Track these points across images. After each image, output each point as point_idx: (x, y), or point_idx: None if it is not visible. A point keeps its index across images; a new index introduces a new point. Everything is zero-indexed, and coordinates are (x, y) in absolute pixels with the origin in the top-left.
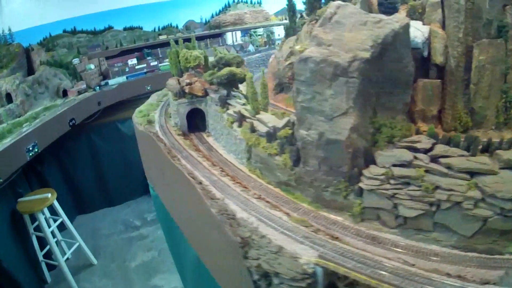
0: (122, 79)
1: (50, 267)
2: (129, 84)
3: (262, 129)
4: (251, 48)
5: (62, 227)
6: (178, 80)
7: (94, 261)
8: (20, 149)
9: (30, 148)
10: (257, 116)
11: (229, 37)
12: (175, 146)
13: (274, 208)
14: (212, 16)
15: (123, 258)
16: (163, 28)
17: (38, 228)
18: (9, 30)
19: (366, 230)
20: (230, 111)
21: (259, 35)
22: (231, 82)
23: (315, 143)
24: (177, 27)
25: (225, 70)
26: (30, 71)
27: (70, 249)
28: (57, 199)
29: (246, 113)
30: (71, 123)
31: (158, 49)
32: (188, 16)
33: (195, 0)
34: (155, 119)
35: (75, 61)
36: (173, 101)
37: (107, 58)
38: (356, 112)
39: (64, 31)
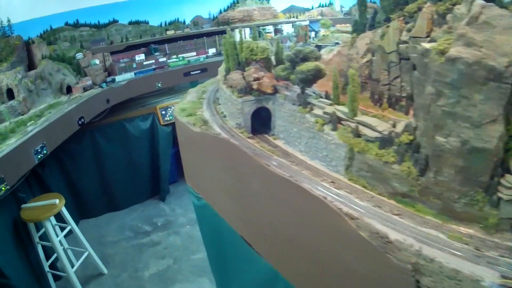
0: (129, 75)
1: (55, 278)
2: (138, 81)
3: (370, 133)
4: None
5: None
6: (243, 75)
7: (104, 270)
8: (28, 151)
9: (39, 150)
10: (357, 118)
11: (237, 34)
12: (257, 152)
13: (420, 225)
14: (220, 12)
15: (135, 267)
16: (170, 23)
17: (44, 237)
18: (8, 21)
19: (501, 242)
20: (318, 112)
21: (267, 32)
22: (315, 79)
23: (456, 151)
24: (184, 22)
25: (311, 65)
26: (31, 65)
27: (77, 258)
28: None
29: (342, 115)
30: (80, 122)
31: (166, 44)
32: (195, 11)
33: None
34: (208, 119)
35: (79, 56)
36: (237, 98)
37: (112, 53)
38: (504, 119)
39: (66, 24)
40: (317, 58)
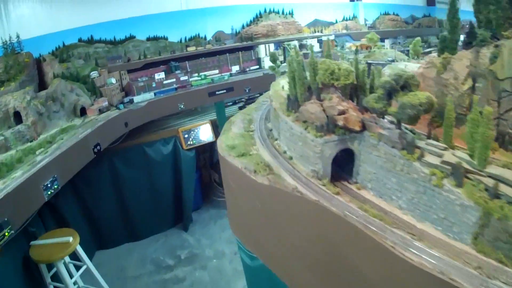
0: (149, 95)
1: None
2: (158, 102)
3: None
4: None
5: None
6: (322, 107)
7: None
8: (36, 187)
9: (49, 185)
10: (490, 171)
11: (262, 50)
12: (361, 218)
13: None
14: (243, 27)
15: None
16: (190, 39)
17: (57, 277)
18: (17, 37)
19: None
20: (432, 160)
21: (292, 48)
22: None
23: None
24: (205, 38)
25: (422, 97)
26: (42, 85)
27: None
28: None
29: (469, 166)
30: (96, 149)
31: (187, 62)
32: (217, 26)
33: (222, 10)
34: (270, 162)
35: (94, 74)
36: (314, 137)
37: (129, 71)
38: None
39: (80, 40)
40: (418, 85)
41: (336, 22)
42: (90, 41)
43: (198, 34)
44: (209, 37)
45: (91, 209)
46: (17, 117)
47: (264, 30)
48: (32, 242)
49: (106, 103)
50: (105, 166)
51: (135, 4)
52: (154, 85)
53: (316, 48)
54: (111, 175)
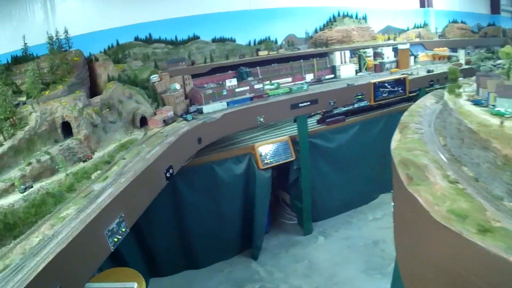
0: (221, 105)
1: None
2: (235, 114)
3: None
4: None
5: None
6: None
7: None
8: (98, 234)
9: (114, 228)
10: None
11: (337, 57)
12: None
13: None
14: (316, 31)
15: None
16: (260, 42)
17: None
18: (65, 32)
19: None
20: None
21: (368, 56)
22: None
23: None
24: (276, 42)
25: None
26: (94, 89)
27: None
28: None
29: None
30: (168, 174)
31: (258, 68)
32: (287, 29)
33: (293, 11)
34: None
35: (154, 78)
36: None
37: (193, 76)
38: None
39: (136, 38)
40: None
41: (408, 29)
42: (148, 41)
43: (268, 37)
44: (280, 41)
45: (147, 233)
46: (66, 129)
47: (339, 35)
48: (87, 285)
49: (172, 112)
50: (166, 188)
51: (199, 0)
52: (224, 93)
53: (391, 57)
54: (172, 197)
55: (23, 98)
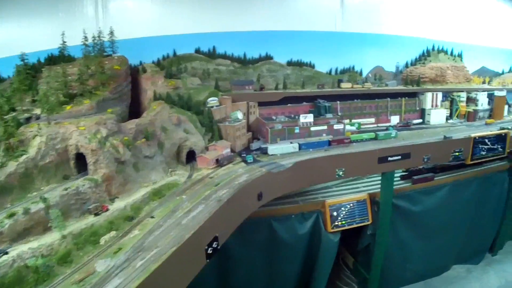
0: (291, 147)
1: None
2: (307, 164)
3: None
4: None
5: None
6: None
7: None
8: None
9: None
10: None
11: (428, 99)
12: None
13: None
14: (407, 66)
15: None
16: (342, 71)
17: None
18: (111, 33)
19: None
20: None
21: (461, 100)
22: None
23: None
24: (361, 73)
25: None
26: (134, 107)
27: None
28: None
29: None
30: (210, 250)
31: (338, 102)
32: (374, 60)
33: (384, 39)
34: None
35: (212, 101)
36: None
37: (260, 104)
38: None
39: (198, 51)
40: None
41: (503, 72)
42: (212, 55)
43: (353, 67)
44: (365, 72)
45: None
46: (82, 162)
47: (433, 73)
48: None
49: (229, 150)
50: None
51: (275, 14)
52: (297, 130)
53: (485, 104)
54: (218, 254)
55: (38, 111)
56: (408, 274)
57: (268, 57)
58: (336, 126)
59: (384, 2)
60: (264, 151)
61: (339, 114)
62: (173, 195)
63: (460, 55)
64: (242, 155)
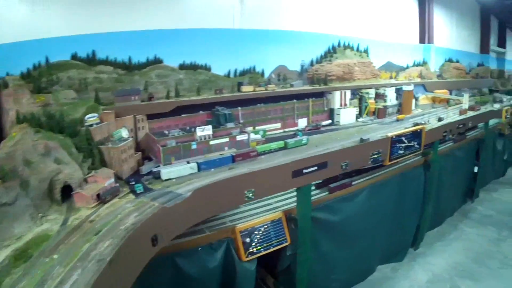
0: (188, 168)
1: None
2: (209, 190)
3: None
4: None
5: None
6: None
7: None
8: None
9: None
10: None
11: (336, 98)
12: None
13: None
14: (312, 64)
15: None
16: (242, 73)
17: None
18: None
19: None
20: None
21: (370, 98)
22: None
23: None
24: (263, 74)
25: None
26: None
27: None
28: None
29: None
30: None
31: (239, 108)
32: (277, 58)
33: (287, 36)
34: None
35: (91, 118)
36: None
37: (150, 116)
38: None
39: (74, 56)
40: None
41: (408, 67)
42: (91, 61)
43: (254, 68)
44: (267, 73)
45: None
46: None
47: (340, 70)
48: None
49: (112, 180)
50: None
51: (165, 10)
52: (194, 146)
53: (393, 99)
54: None
55: None
56: (333, 285)
57: (157, 61)
58: (239, 137)
59: None
60: (156, 176)
61: (241, 121)
62: (43, 254)
63: (366, 51)
64: (131, 183)
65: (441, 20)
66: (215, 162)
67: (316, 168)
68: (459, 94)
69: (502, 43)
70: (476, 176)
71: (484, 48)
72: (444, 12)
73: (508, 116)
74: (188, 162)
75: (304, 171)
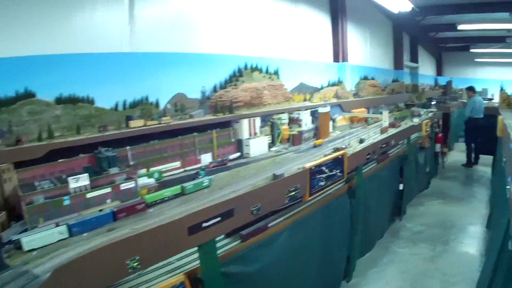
0: (55, 233)
1: None
2: (76, 265)
3: None
4: None
5: None
6: None
7: None
8: None
9: None
10: None
11: (245, 127)
12: None
13: None
14: (215, 90)
15: None
16: (133, 104)
17: None
18: None
19: None
20: None
21: (283, 123)
22: None
23: None
24: (157, 104)
25: None
26: None
27: None
28: None
29: None
30: None
31: (128, 148)
32: (174, 86)
33: (185, 59)
34: None
35: None
36: None
37: (18, 164)
38: None
39: None
40: None
41: (322, 87)
42: None
43: (147, 98)
44: (163, 103)
45: None
46: None
47: (247, 95)
48: None
49: None
50: None
51: (39, 31)
52: (67, 201)
53: (309, 123)
54: None
55: None
56: None
57: (28, 94)
58: (124, 185)
59: (184, 15)
60: (18, 245)
61: (131, 163)
62: None
63: (276, 72)
64: None
65: (355, 37)
66: (91, 222)
67: (219, 219)
68: (376, 111)
69: (414, 58)
70: (402, 193)
71: (398, 64)
72: (358, 29)
73: (428, 129)
74: (56, 225)
75: (204, 225)
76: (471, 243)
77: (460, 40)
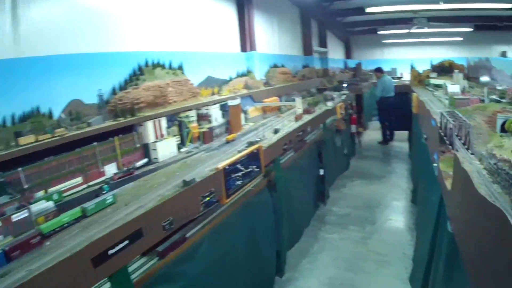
0: None
1: None
2: None
3: None
4: None
5: None
6: None
7: None
8: None
9: None
10: None
11: (150, 130)
12: None
13: None
14: (115, 92)
15: None
16: (23, 118)
17: None
18: None
19: None
20: None
21: (191, 121)
22: None
23: None
24: (50, 115)
25: None
26: None
27: None
28: None
29: None
30: None
31: (20, 169)
32: (68, 92)
33: (78, 60)
34: None
35: None
36: None
37: None
38: None
39: None
40: None
41: (231, 79)
42: None
43: (38, 108)
44: (57, 113)
45: None
46: None
47: (150, 95)
48: None
49: None
50: None
51: None
52: None
53: (219, 118)
54: None
55: None
56: None
57: None
58: (16, 216)
59: (79, 11)
60: None
61: (26, 187)
62: None
63: (181, 67)
64: None
65: (262, 26)
66: None
67: (127, 242)
68: (289, 99)
69: (323, 44)
70: (324, 178)
71: (307, 50)
72: (265, 18)
73: (342, 112)
74: None
75: (111, 252)
76: (399, 218)
77: (368, 23)
